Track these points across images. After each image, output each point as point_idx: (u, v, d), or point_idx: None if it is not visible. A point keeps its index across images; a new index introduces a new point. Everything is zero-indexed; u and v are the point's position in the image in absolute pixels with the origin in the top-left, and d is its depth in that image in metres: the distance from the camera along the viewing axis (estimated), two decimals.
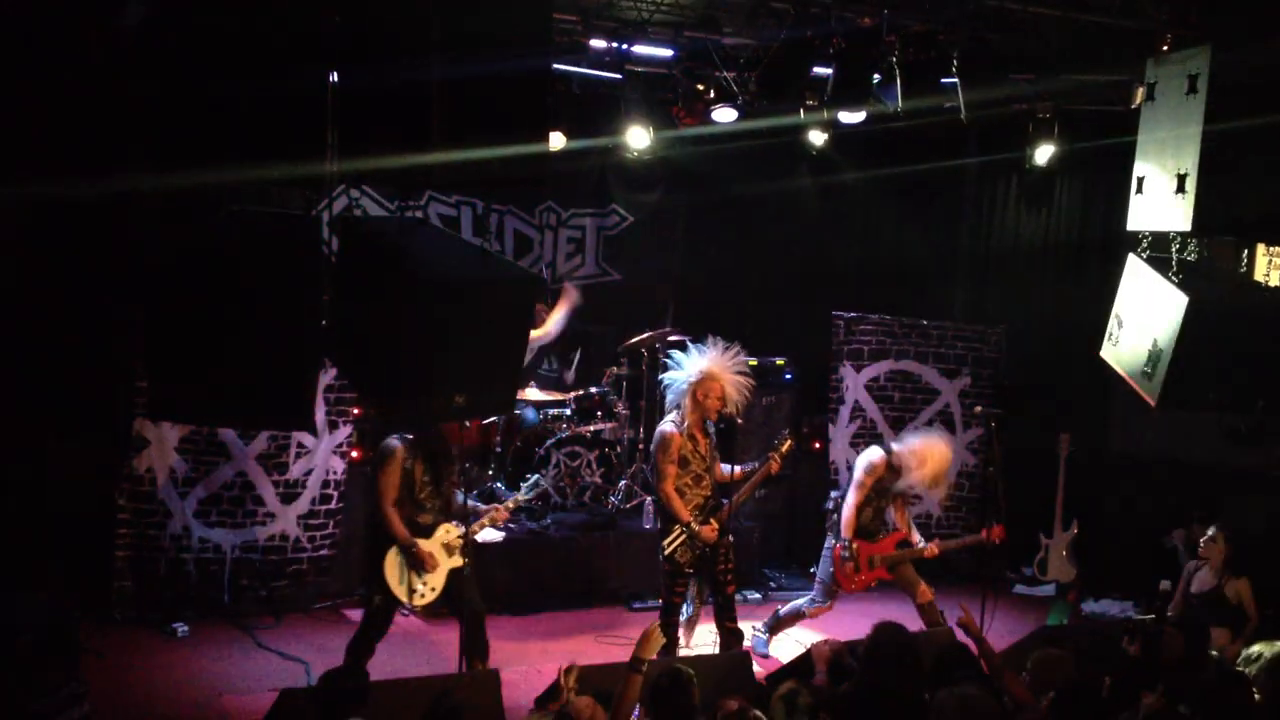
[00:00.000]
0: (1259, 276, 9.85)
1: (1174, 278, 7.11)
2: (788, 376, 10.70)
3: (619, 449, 10.05)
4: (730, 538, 7.74)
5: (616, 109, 9.29)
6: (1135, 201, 7.79)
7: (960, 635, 6.46)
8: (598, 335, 10.77)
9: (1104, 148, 9.67)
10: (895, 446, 7.94)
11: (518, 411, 9.77)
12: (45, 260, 7.31)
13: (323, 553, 8.94)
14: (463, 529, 7.05)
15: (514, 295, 5.94)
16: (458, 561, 7.04)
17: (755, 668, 6.91)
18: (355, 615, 7.87)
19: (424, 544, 6.90)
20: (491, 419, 9.64)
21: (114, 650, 7.76)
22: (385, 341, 5.58)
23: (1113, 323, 7.73)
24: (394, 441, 6.94)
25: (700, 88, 9.19)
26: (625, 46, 8.54)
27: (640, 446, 10.11)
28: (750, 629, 8.43)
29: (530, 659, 8.11)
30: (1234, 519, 8.08)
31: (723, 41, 8.80)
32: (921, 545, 8.12)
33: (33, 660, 6.27)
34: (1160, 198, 7.47)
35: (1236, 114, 6.95)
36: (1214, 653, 6.54)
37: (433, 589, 6.96)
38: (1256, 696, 5.26)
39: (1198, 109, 7.09)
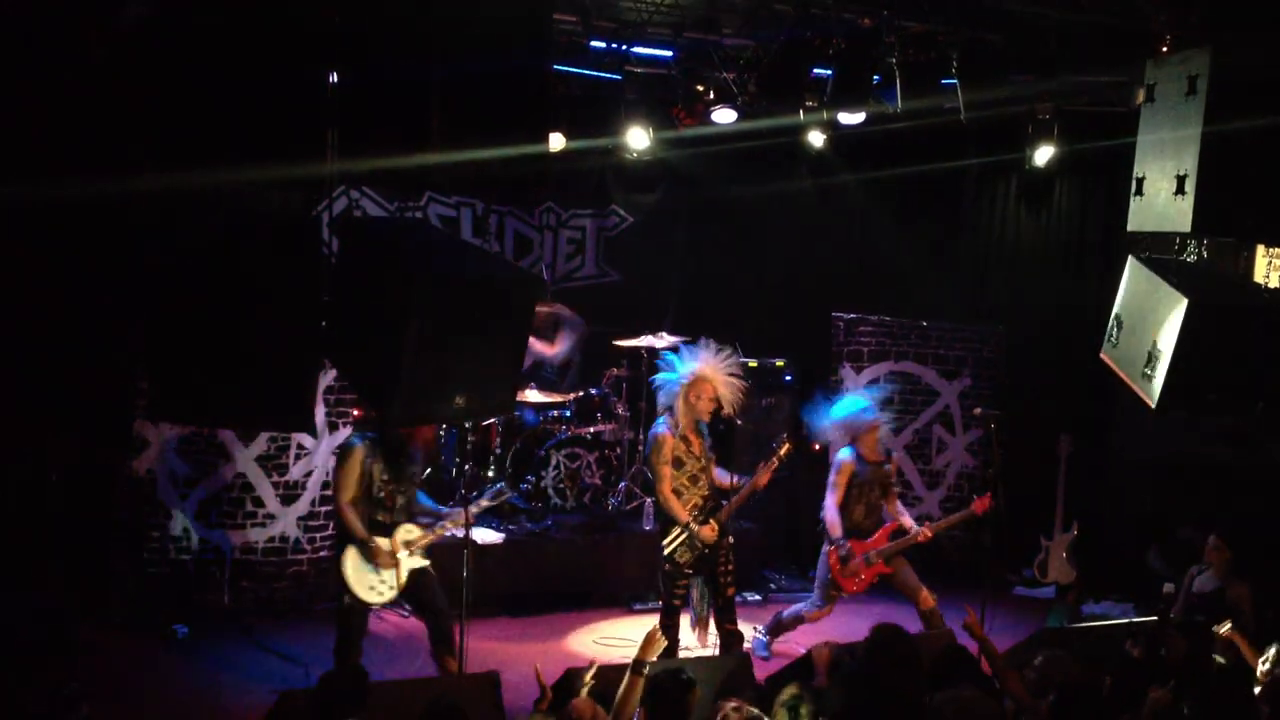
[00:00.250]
0: (1259, 278, 9.86)
1: (1174, 279, 7.09)
2: (787, 378, 10.70)
3: (619, 450, 10.04)
4: (730, 539, 7.74)
5: (616, 110, 9.29)
6: (1135, 203, 7.77)
7: (963, 637, 6.45)
8: (597, 336, 10.77)
9: (1103, 149, 9.67)
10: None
11: (517, 413, 9.77)
12: (45, 260, 7.31)
13: (323, 554, 8.93)
14: (423, 529, 7.07)
15: (514, 296, 5.93)
16: (419, 561, 7.04)
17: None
18: None
19: (382, 542, 6.90)
20: (491, 420, 9.63)
21: (113, 651, 7.77)
22: (385, 342, 5.57)
23: (1112, 324, 7.71)
24: (354, 440, 6.95)
25: (700, 89, 9.19)
26: (625, 47, 8.54)
27: (640, 448, 10.10)
28: (751, 631, 8.43)
29: (530, 661, 8.09)
30: (1234, 520, 8.07)
31: (722, 42, 8.80)
32: (915, 530, 8.08)
33: (32, 661, 6.28)
34: (1160, 199, 7.45)
35: (1236, 115, 6.95)
36: (1218, 659, 6.52)
37: (390, 587, 6.96)
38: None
39: (1198, 110, 7.07)
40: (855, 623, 8.38)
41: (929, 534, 8.19)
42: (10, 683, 6.21)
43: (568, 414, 9.99)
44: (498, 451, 9.81)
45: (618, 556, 9.52)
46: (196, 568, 8.62)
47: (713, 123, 9.33)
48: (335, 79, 5.71)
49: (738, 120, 9.26)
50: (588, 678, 5.44)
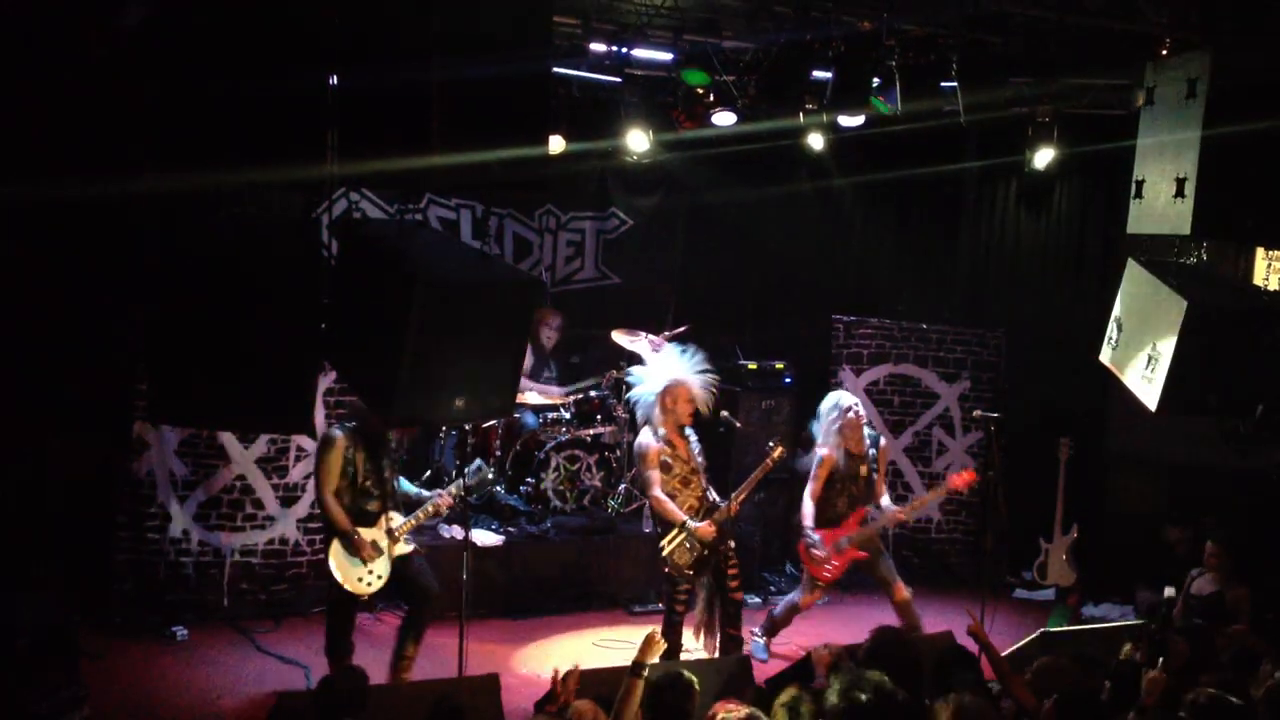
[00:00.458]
0: (1258, 280, 9.86)
1: (1173, 282, 7.10)
2: (787, 380, 10.70)
3: (618, 452, 10.04)
4: (732, 543, 7.75)
5: (616, 112, 9.28)
6: (1135, 205, 7.79)
7: (962, 637, 6.45)
8: (597, 339, 10.77)
9: (1103, 152, 9.67)
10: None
11: (517, 415, 9.77)
12: (45, 260, 7.31)
13: (322, 556, 8.88)
14: (407, 517, 7.11)
15: (513, 298, 5.93)
16: (405, 548, 7.08)
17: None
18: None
19: (365, 532, 6.95)
20: (491, 423, 9.63)
21: (113, 653, 7.77)
22: (384, 345, 5.57)
23: (1112, 327, 7.72)
24: (335, 431, 7.00)
25: (700, 91, 9.18)
26: (625, 50, 8.54)
27: None
28: (749, 634, 8.43)
29: (530, 663, 8.10)
30: (1233, 522, 8.08)
31: (722, 45, 8.79)
32: (882, 512, 8.14)
33: (32, 662, 6.27)
34: (1160, 202, 7.47)
35: (1236, 118, 6.95)
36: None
37: (378, 576, 7.00)
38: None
39: (1197, 113, 7.09)
40: (856, 624, 8.39)
41: (901, 516, 8.30)
42: (10, 683, 6.20)
43: (567, 416, 9.99)
44: (497, 453, 9.80)
45: (617, 559, 9.52)
46: (196, 570, 8.62)
47: (713, 125, 9.33)
48: (335, 81, 5.70)
49: (737, 123, 9.26)
50: (571, 684, 5.43)
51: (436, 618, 7.34)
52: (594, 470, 9.92)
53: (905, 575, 10.35)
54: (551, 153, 9.05)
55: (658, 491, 7.56)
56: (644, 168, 10.69)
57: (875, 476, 8.26)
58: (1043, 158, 10.14)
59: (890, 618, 7.88)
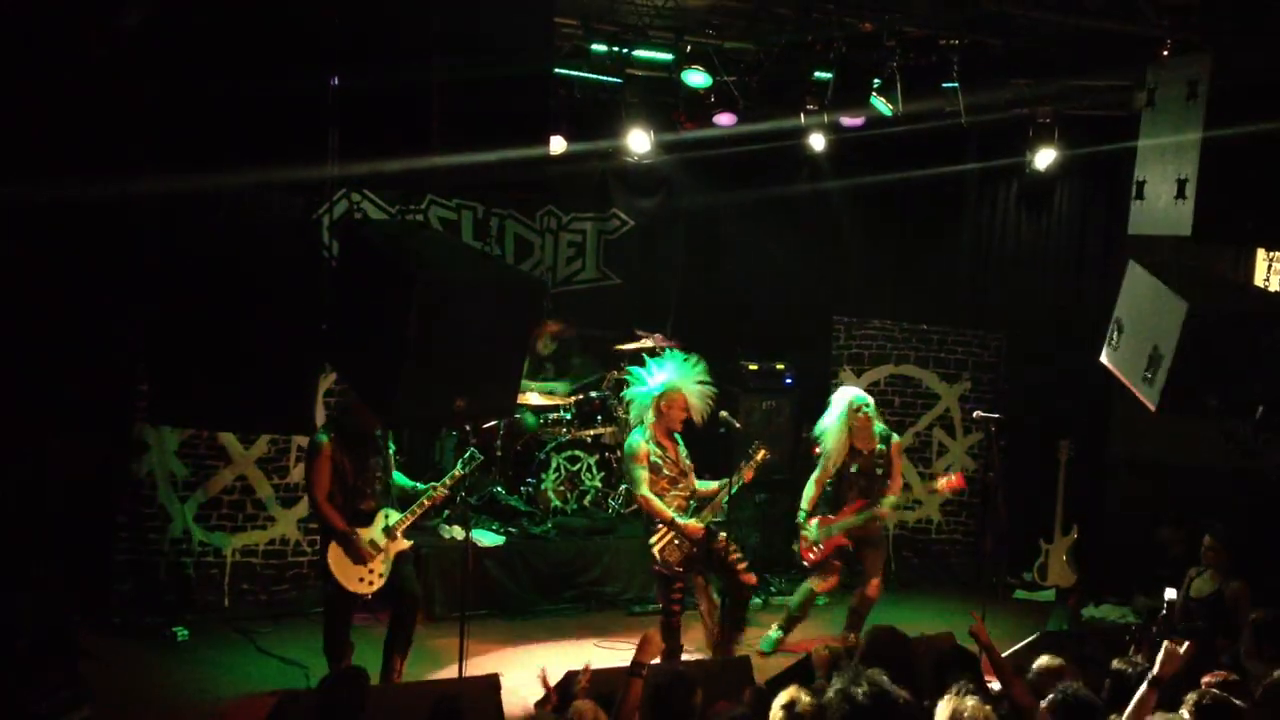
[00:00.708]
0: (1258, 281, 9.86)
1: (1174, 283, 7.09)
2: (788, 381, 10.71)
3: (619, 453, 10.03)
4: (724, 535, 7.86)
5: (617, 113, 9.29)
6: (1135, 207, 7.79)
7: (966, 641, 6.44)
8: (597, 340, 10.76)
9: (1104, 153, 9.68)
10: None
11: (517, 416, 9.77)
12: (45, 260, 7.31)
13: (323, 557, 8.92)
14: (403, 513, 7.13)
15: (514, 299, 5.93)
16: (403, 544, 7.09)
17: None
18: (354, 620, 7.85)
19: (363, 532, 6.95)
20: (492, 423, 9.63)
21: (113, 654, 7.76)
22: (384, 345, 5.57)
23: (1113, 328, 7.71)
24: (321, 435, 7.00)
25: (700, 92, 9.19)
26: (626, 51, 8.55)
27: None
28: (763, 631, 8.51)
29: (530, 663, 8.09)
30: (1233, 524, 8.07)
31: (724, 46, 8.80)
32: (880, 504, 8.27)
33: (32, 662, 6.28)
34: (1161, 203, 7.46)
35: (1237, 119, 6.95)
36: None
37: (380, 575, 7.02)
38: None
39: (1198, 114, 7.09)
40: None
41: (887, 513, 8.43)
42: (10, 683, 6.20)
43: (568, 417, 9.99)
44: (498, 454, 9.80)
45: (617, 559, 9.53)
46: (196, 570, 8.62)
47: (714, 126, 9.33)
48: (336, 81, 5.70)
49: (738, 124, 9.26)
50: (583, 681, 5.45)
51: (422, 620, 7.35)
52: (594, 471, 9.92)
53: (905, 576, 10.42)
54: (552, 153, 9.06)
55: (645, 490, 7.67)
56: (645, 168, 10.70)
57: (882, 472, 8.34)
58: (1043, 159, 10.15)
59: (890, 618, 7.87)
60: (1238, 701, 4.99)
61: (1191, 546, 8.29)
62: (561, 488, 9.78)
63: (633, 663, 5.28)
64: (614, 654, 8.15)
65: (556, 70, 8.42)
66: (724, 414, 8.06)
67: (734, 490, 7.81)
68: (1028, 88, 9.36)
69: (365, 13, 5.65)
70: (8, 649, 6.23)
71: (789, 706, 4.84)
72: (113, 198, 6.03)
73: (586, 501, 9.88)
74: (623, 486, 9.97)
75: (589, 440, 9.94)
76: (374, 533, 6.98)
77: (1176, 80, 7.31)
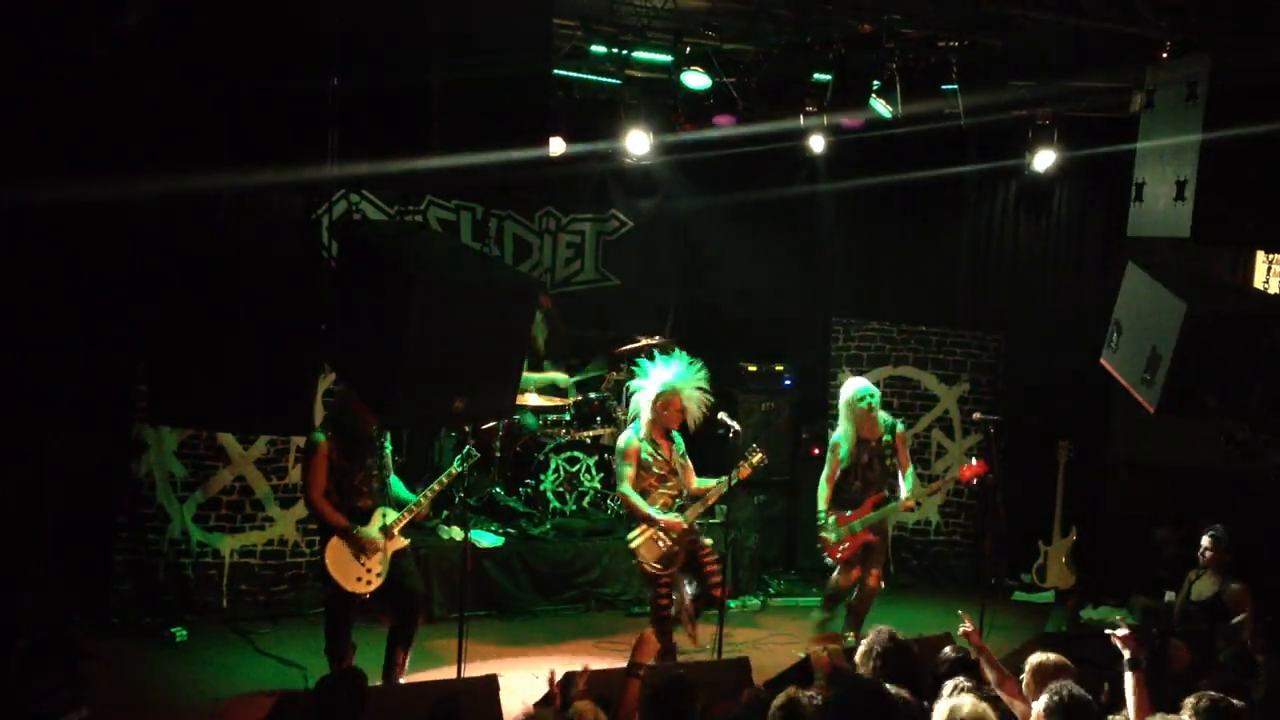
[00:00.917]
0: (1258, 283, 9.86)
1: (1173, 284, 7.09)
2: (787, 382, 10.72)
3: None
4: (708, 541, 7.93)
5: (616, 114, 9.29)
6: (1135, 208, 7.79)
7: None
8: (597, 341, 10.76)
9: (1103, 154, 9.67)
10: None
11: (516, 417, 9.77)
12: (45, 260, 7.32)
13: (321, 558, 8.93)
14: (399, 512, 7.13)
15: (513, 300, 5.93)
16: (399, 543, 7.09)
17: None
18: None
19: (365, 530, 6.97)
20: (491, 424, 9.63)
21: (112, 654, 7.76)
22: (384, 346, 5.57)
23: (1112, 329, 7.72)
24: (317, 435, 6.99)
25: (700, 94, 9.18)
26: (625, 52, 8.55)
27: None
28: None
29: (530, 663, 8.10)
30: (1233, 525, 8.08)
31: (723, 47, 8.80)
32: (899, 498, 8.33)
33: (32, 662, 6.28)
34: (1160, 204, 7.47)
35: (1236, 120, 6.95)
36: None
37: (378, 574, 7.02)
38: None
39: (1197, 116, 7.09)
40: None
41: (912, 505, 8.50)
42: (10, 683, 6.20)
43: (567, 418, 9.99)
44: (498, 455, 9.81)
45: (616, 560, 9.51)
46: (195, 571, 8.61)
47: (713, 127, 9.33)
48: (335, 82, 5.70)
49: (737, 125, 9.27)
50: (580, 683, 5.45)
51: (422, 620, 7.35)
52: (593, 472, 9.92)
53: (904, 577, 10.43)
54: (551, 154, 9.07)
55: (627, 487, 7.74)
56: (644, 169, 10.70)
57: (889, 463, 8.43)
58: (1043, 160, 10.15)
59: (890, 619, 7.87)
60: (1236, 702, 4.99)
61: (1189, 547, 8.30)
62: (561, 488, 9.78)
63: (630, 663, 5.28)
64: (613, 655, 8.15)
65: (555, 71, 8.42)
66: (723, 415, 8.06)
67: (726, 490, 7.82)
68: (1027, 89, 9.36)
69: (364, 13, 5.66)
70: (8, 649, 6.23)
71: (787, 707, 4.84)
72: (113, 198, 6.02)
73: (585, 502, 9.88)
74: None
75: (588, 441, 9.94)
76: (371, 531, 6.99)
77: (1176, 81, 7.31)
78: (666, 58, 8.74)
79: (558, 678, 5.64)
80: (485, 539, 9.23)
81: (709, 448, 8.61)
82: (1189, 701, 4.92)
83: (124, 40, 5.76)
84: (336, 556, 6.92)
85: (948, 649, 6.12)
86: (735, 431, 7.87)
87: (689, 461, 7.99)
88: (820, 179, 11.24)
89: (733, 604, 9.13)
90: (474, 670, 6.99)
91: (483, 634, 8.43)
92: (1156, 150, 7.56)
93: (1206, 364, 6.57)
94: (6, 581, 7.25)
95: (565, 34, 8.40)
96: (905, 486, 8.32)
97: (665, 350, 8.64)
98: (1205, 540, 7.70)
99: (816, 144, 9.96)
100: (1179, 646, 6.15)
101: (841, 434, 8.45)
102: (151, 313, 6.12)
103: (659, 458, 7.78)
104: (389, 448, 7.32)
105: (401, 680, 7.13)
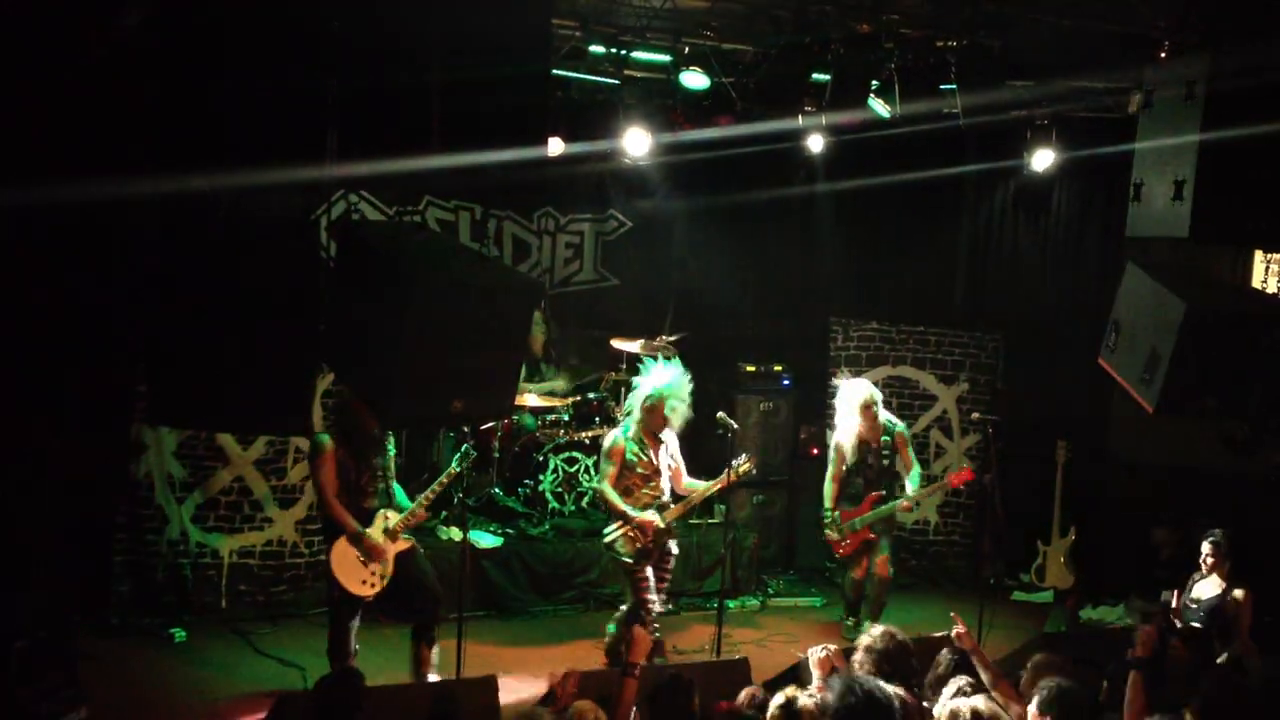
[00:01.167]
0: (1256, 283, 9.86)
1: (1172, 284, 7.10)
2: (785, 382, 10.71)
3: None
4: (675, 549, 8.00)
5: (615, 114, 9.29)
6: (1133, 208, 7.81)
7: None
8: (596, 341, 10.76)
9: (1102, 154, 9.68)
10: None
11: (515, 417, 9.76)
12: (45, 260, 7.31)
13: (320, 558, 8.86)
14: (401, 513, 7.12)
15: (512, 300, 5.94)
16: (403, 544, 7.10)
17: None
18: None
19: (371, 532, 6.98)
20: (489, 424, 9.63)
21: (111, 655, 7.75)
22: (383, 346, 5.57)
23: (1111, 329, 7.73)
24: (323, 436, 6.99)
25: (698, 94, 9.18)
26: (624, 52, 8.56)
27: None
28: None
29: (529, 663, 8.10)
30: (1233, 525, 8.07)
31: (721, 47, 8.80)
32: (897, 498, 8.51)
33: (32, 662, 6.27)
34: (1158, 204, 7.48)
35: (1234, 121, 6.96)
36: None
37: (381, 576, 7.01)
38: None
39: (1196, 116, 7.11)
40: None
41: (910, 505, 8.74)
42: (10, 683, 6.19)
43: (566, 418, 9.98)
44: (496, 456, 9.79)
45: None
46: (194, 571, 8.61)
47: (711, 127, 9.34)
48: (335, 83, 5.71)
49: (736, 125, 9.27)
50: (569, 686, 5.44)
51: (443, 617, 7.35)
52: (592, 472, 9.91)
53: (903, 577, 10.42)
54: (550, 155, 9.08)
55: (605, 484, 7.84)
56: (643, 170, 10.70)
57: (888, 463, 8.56)
58: (1041, 160, 10.16)
59: (889, 619, 7.88)
60: (1236, 703, 5.00)
61: (1186, 548, 8.29)
62: (559, 489, 9.78)
63: (625, 663, 5.29)
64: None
65: (555, 72, 8.42)
66: (721, 415, 8.07)
67: (711, 495, 8.02)
68: (1026, 89, 9.36)
69: (364, 14, 5.66)
70: (8, 649, 6.22)
71: (786, 707, 4.85)
72: (113, 198, 6.03)
73: (584, 503, 9.87)
74: None
75: (587, 442, 9.92)
76: (376, 535, 6.98)
77: (1174, 81, 7.33)
78: (665, 58, 8.74)
79: (560, 677, 5.63)
80: (484, 539, 9.22)
81: (709, 448, 8.61)
82: (1190, 702, 4.93)
83: (124, 40, 5.76)
84: (341, 559, 6.91)
85: (946, 650, 6.13)
86: (734, 431, 7.88)
87: (681, 463, 8.03)
88: (819, 179, 11.25)
89: (732, 604, 9.15)
90: (473, 670, 6.98)
91: (481, 634, 8.42)
92: (1155, 150, 7.58)
93: (1205, 364, 6.57)
94: (6, 581, 7.24)
95: (564, 34, 8.40)
96: (911, 486, 8.40)
97: (666, 354, 8.67)
98: (1205, 546, 7.69)
99: (815, 144, 9.96)
100: (1178, 647, 6.15)
101: (844, 434, 8.54)
102: (151, 313, 6.11)
103: (644, 458, 7.84)
104: (392, 450, 7.32)
105: (430, 676, 7.12)
